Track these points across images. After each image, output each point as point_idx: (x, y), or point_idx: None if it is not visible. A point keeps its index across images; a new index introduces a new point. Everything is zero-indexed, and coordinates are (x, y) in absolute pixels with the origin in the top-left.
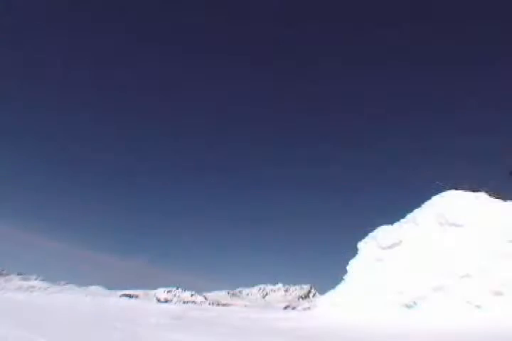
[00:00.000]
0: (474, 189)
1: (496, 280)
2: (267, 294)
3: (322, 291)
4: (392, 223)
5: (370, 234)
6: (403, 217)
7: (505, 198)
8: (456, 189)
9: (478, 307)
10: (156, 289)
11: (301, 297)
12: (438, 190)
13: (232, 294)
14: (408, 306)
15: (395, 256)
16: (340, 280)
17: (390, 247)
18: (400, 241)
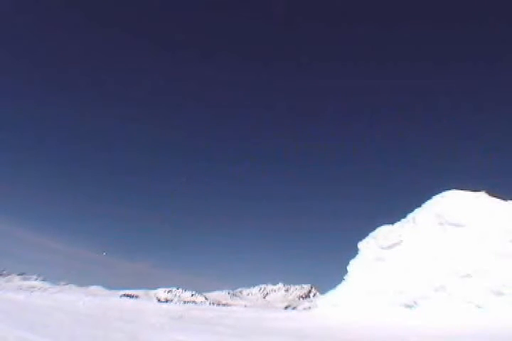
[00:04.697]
0: (474, 189)
1: (496, 280)
2: (267, 294)
3: (322, 291)
4: (392, 223)
5: (371, 234)
6: (403, 217)
7: (505, 198)
8: (456, 189)
9: (478, 307)
10: (156, 289)
11: (302, 297)
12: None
13: (233, 294)
14: (408, 306)
15: (396, 256)
16: (341, 280)
17: (390, 247)
18: (400, 241)
